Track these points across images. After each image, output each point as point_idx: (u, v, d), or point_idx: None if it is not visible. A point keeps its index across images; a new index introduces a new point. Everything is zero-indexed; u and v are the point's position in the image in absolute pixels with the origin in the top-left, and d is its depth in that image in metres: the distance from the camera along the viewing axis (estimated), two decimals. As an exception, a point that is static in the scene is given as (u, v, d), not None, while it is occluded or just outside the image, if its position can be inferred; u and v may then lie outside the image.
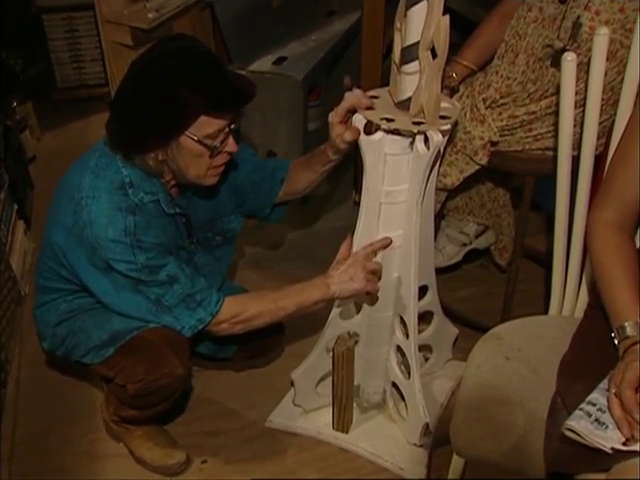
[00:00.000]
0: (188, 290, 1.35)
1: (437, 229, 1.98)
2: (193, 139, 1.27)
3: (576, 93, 1.29)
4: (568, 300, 1.40)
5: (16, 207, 2.22)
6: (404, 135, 1.32)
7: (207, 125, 1.26)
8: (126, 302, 1.36)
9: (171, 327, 1.37)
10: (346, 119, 1.36)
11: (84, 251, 1.32)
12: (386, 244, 1.43)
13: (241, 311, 1.39)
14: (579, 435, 0.95)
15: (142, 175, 1.33)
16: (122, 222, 1.29)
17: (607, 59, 1.25)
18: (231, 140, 1.32)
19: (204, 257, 1.54)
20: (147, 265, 1.31)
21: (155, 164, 1.30)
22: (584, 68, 1.37)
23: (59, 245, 1.37)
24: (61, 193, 1.37)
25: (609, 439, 0.93)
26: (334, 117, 1.36)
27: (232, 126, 1.31)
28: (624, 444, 0.93)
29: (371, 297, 1.50)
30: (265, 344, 1.73)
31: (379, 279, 1.45)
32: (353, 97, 1.34)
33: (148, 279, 1.32)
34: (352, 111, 1.35)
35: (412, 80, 1.28)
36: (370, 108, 1.34)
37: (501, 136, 1.58)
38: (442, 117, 1.31)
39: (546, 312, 1.43)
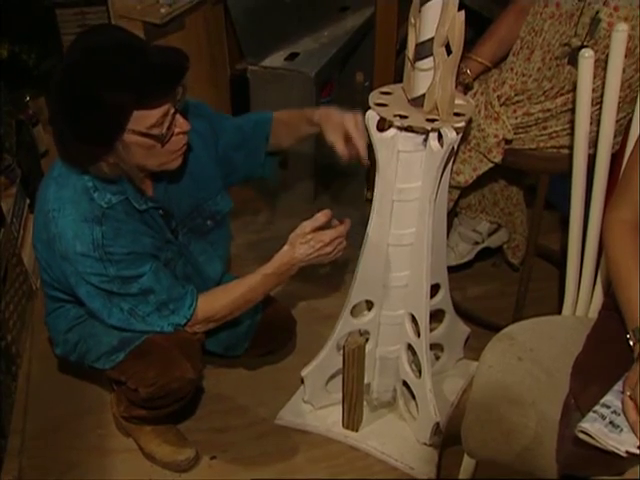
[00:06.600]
0: (162, 300, 1.35)
1: (449, 227, 1.97)
2: (137, 134, 1.20)
3: (593, 90, 1.27)
4: (582, 300, 1.38)
5: (28, 201, 2.23)
6: (417, 132, 1.31)
7: (145, 117, 1.19)
8: (102, 312, 1.35)
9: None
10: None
11: (61, 262, 1.31)
12: (326, 219, 1.38)
13: (213, 313, 1.41)
14: (593, 438, 0.94)
15: None
16: (89, 235, 1.25)
17: (625, 56, 1.23)
18: (180, 120, 1.25)
19: (199, 245, 1.50)
20: (118, 276, 1.29)
21: (110, 169, 1.25)
22: (601, 65, 1.35)
23: (44, 258, 1.37)
24: (37, 206, 1.35)
25: (624, 442, 0.93)
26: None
27: (177, 105, 1.23)
28: (639, 448, 0.92)
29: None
30: (276, 343, 1.72)
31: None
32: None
33: (120, 291, 1.31)
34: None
35: (426, 76, 1.27)
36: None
37: (515, 134, 1.57)
38: (456, 114, 1.30)
39: (559, 312, 1.42)
